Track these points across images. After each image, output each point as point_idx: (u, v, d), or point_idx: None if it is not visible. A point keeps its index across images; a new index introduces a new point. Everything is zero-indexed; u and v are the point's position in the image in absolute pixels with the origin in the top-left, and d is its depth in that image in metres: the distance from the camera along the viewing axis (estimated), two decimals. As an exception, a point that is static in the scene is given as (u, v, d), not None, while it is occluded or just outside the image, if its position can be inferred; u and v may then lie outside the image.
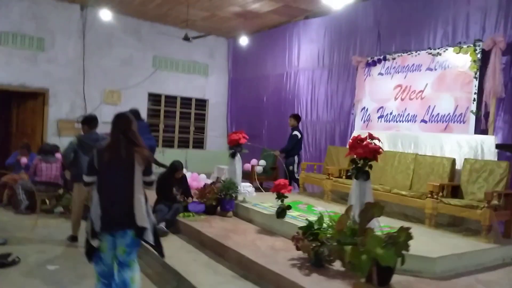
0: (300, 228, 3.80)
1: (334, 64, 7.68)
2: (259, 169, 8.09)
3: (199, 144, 10.82)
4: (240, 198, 5.62)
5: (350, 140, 3.74)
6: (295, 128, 7.35)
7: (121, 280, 2.89)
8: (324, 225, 3.75)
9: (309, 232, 3.67)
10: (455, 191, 5.00)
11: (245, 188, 5.53)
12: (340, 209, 5.40)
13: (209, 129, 10.82)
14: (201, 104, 10.76)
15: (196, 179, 7.79)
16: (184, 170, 8.12)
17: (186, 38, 7.92)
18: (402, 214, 5.40)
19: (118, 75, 9.48)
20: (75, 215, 4.52)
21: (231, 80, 10.86)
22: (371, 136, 3.62)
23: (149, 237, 2.88)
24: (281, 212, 4.67)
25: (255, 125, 9.79)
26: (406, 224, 4.94)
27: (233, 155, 5.66)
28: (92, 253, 2.89)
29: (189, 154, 10.44)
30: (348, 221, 3.06)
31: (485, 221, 4.22)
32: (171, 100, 10.33)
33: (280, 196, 4.71)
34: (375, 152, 3.57)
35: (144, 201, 2.88)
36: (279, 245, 4.16)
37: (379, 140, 3.67)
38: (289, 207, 4.72)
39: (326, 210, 5.37)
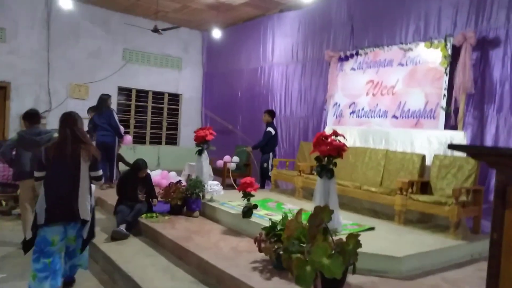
0: (263, 228, 3.64)
1: (308, 58, 7.54)
2: (232, 166, 7.90)
3: (172, 140, 10.54)
4: (207, 197, 5.42)
5: (315, 138, 3.59)
6: (270, 124, 7.18)
7: (70, 266, 3.31)
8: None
9: (272, 233, 3.51)
10: (425, 187, 4.94)
11: (213, 186, 5.33)
12: (310, 206, 5.31)
13: (182, 124, 10.54)
14: (174, 99, 10.47)
15: (165, 177, 7.54)
16: (156, 170, 7.92)
17: (155, 30, 7.62)
18: (372, 211, 5.32)
19: (85, 68, 9.09)
20: (24, 216, 4.23)
21: (206, 74, 10.61)
22: (335, 133, 3.47)
23: (85, 230, 3.15)
24: (247, 212, 4.49)
25: (229, 121, 9.60)
26: (375, 221, 4.89)
27: (199, 153, 5.44)
28: (30, 246, 3.04)
29: (161, 150, 10.16)
30: (298, 226, 2.88)
31: (453, 217, 4.15)
32: (142, 94, 10.01)
33: (247, 195, 4.53)
34: (339, 150, 3.43)
35: (89, 195, 3.14)
36: (243, 246, 3.98)
37: (344, 137, 3.53)
38: (255, 206, 4.55)
39: (295, 208, 5.27)
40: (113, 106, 9.06)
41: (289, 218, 3.68)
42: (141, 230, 4.76)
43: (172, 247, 4.10)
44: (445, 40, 5.16)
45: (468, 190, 4.35)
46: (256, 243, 3.51)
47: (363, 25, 6.45)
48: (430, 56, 5.36)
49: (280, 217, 3.84)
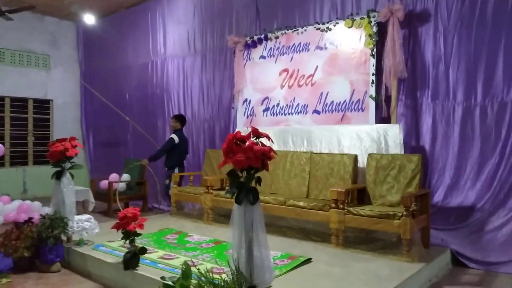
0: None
1: (208, 48, 6.25)
2: (121, 186, 6.21)
3: (44, 159, 8.26)
4: (75, 238, 3.76)
5: (225, 143, 2.28)
6: (177, 131, 5.75)
7: None
8: (192, 286, 2.23)
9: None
10: (361, 196, 4.01)
11: (81, 223, 3.68)
12: (223, 234, 4.02)
13: (56, 138, 8.33)
14: (43, 106, 8.25)
15: (26, 211, 5.52)
16: (12, 202, 5.76)
17: (0, 13, 5.59)
18: (301, 231, 4.24)
19: None
20: None
21: (84, 74, 8.61)
22: (256, 133, 2.22)
23: None
24: (131, 260, 2.99)
25: (118, 130, 7.82)
26: (308, 245, 3.75)
27: (58, 176, 3.74)
28: None
29: (28, 173, 7.91)
30: None
31: (406, 233, 3.24)
32: (-6, 102, 7.64)
33: (128, 235, 3.03)
34: (264, 157, 2.18)
35: None
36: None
37: (268, 138, 2.30)
38: (143, 250, 3.07)
39: (204, 240, 3.92)
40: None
41: (192, 272, 2.33)
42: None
43: None
44: (368, 16, 4.34)
45: (416, 196, 3.49)
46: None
47: (270, 4, 5.40)
48: (353, 36, 4.49)
49: (181, 264, 2.48)
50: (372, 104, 4.34)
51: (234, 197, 2.26)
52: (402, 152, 4.00)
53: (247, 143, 2.15)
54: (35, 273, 3.43)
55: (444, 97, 4.03)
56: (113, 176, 6.35)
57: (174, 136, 5.72)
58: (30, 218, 3.77)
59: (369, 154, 4.08)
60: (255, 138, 2.21)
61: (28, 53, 7.94)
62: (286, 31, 5.09)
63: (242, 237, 2.33)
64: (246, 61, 5.51)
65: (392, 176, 3.87)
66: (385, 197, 3.86)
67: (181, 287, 2.16)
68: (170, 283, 2.23)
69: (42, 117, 8.23)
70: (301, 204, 3.97)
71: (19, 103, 7.89)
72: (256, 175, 2.25)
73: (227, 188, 2.37)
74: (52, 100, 8.30)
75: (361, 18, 4.41)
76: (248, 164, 2.12)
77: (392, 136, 4.11)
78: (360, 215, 3.52)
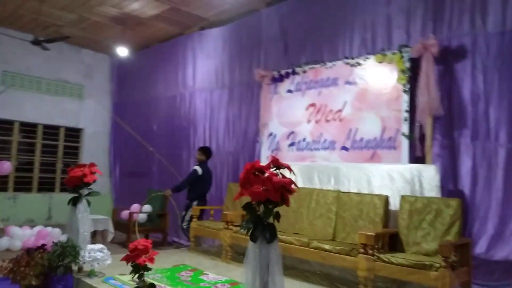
0: None
1: (236, 82, 6.25)
2: (142, 217, 6.09)
3: (70, 186, 8.36)
4: (86, 269, 3.60)
5: (242, 172, 2.11)
6: (202, 163, 5.66)
7: None
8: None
9: None
10: (393, 241, 3.66)
11: (93, 252, 3.53)
12: (241, 274, 3.75)
13: (83, 166, 8.46)
14: (74, 134, 8.46)
15: (44, 237, 5.48)
16: (33, 228, 5.70)
17: (37, 42, 5.87)
18: (326, 277, 3.89)
19: None
20: None
21: (115, 105, 8.83)
22: (276, 163, 2.04)
23: None
24: (138, 297, 2.78)
25: (143, 161, 7.82)
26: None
27: (74, 202, 3.66)
28: None
29: (54, 199, 7.98)
30: None
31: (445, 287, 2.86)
32: (28, 128, 7.88)
33: (138, 269, 2.84)
34: (284, 190, 1.98)
35: None
36: None
37: (289, 169, 2.10)
38: (152, 286, 2.86)
39: (220, 281, 3.65)
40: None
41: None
42: None
43: None
44: (400, 51, 4.18)
45: (456, 246, 3.12)
46: None
47: (298, 40, 5.37)
48: (384, 71, 4.33)
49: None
50: (405, 142, 4.08)
51: (249, 233, 2.05)
52: (439, 196, 3.67)
53: (266, 173, 1.97)
54: (41, 304, 3.27)
55: (485, 138, 3.72)
56: (135, 207, 6.27)
57: (197, 167, 5.61)
58: (43, 245, 3.66)
59: (402, 196, 3.77)
60: (275, 168, 2.03)
61: (63, 83, 8.26)
62: (314, 65, 5.00)
63: (256, 279, 2.09)
64: (273, 94, 5.43)
65: (428, 221, 3.52)
66: (420, 244, 3.50)
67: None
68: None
69: (72, 145, 8.41)
70: (326, 247, 3.66)
71: (51, 131, 8.13)
72: (275, 210, 2.04)
73: (243, 223, 2.16)
74: (83, 129, 8.51)
75: (392, 53, 4.26)
76: (266, 197, 1.92)
77: (428, 177, 3.79)
78: (392, 263, 3.18)
